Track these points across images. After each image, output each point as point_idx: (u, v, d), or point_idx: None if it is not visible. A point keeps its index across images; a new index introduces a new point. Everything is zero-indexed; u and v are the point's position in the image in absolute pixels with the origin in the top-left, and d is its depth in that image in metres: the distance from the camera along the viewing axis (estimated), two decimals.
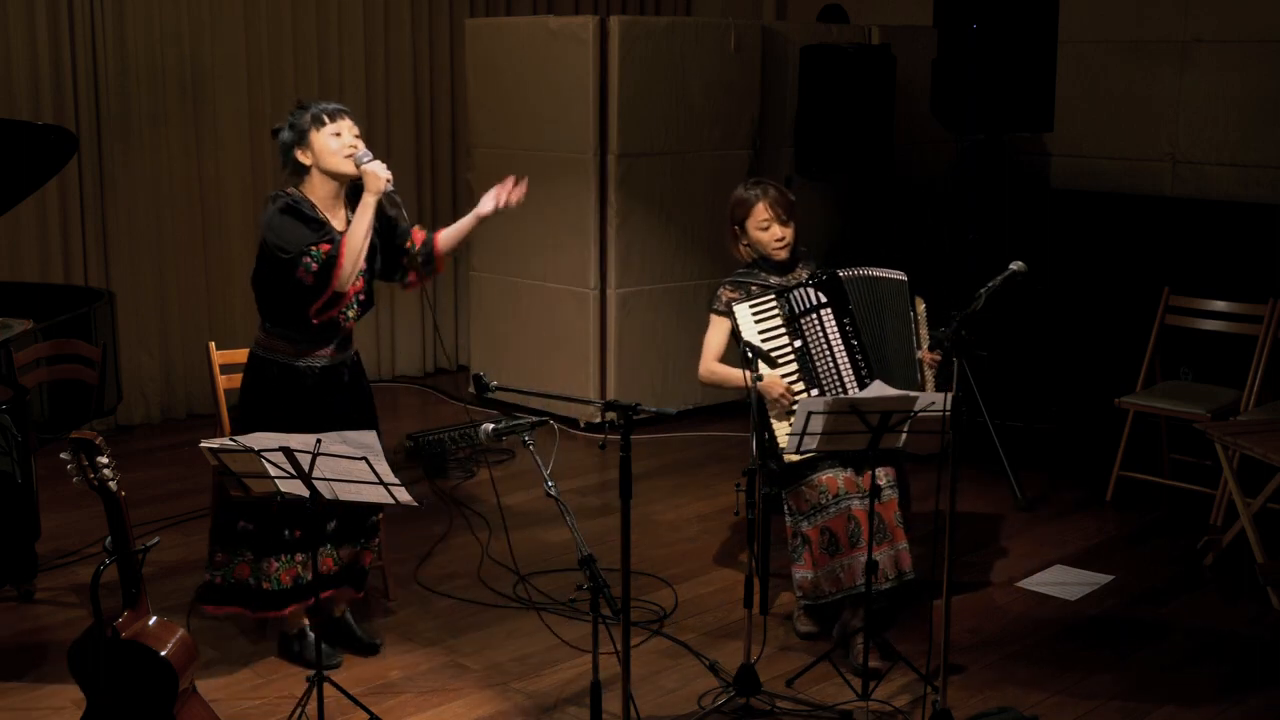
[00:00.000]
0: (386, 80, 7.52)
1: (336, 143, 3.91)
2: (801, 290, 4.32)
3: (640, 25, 6.62)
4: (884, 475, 4.19)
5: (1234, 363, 5.68)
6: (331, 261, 3.86)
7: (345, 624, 4.30)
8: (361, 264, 3.94)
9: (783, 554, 4.43)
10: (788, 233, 4.42)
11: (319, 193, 3.95)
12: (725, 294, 4.48)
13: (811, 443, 3.72)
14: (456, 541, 5.18)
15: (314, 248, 3.85)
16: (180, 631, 3.39)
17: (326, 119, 3.92)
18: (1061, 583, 4.90)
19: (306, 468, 3.41)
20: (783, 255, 4.43)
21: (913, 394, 3.79)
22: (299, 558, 4.03)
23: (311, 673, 3.59)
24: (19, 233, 6.38)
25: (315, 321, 3.95)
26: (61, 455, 3.29)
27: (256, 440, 3.45)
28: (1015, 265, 3.81)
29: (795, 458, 4.17)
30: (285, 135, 3.95)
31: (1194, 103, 7.23)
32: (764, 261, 4.49)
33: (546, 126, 6.72)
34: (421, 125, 7.72)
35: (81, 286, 6.32)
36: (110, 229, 6.66)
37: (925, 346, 4.41)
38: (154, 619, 3.36)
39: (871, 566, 3.99)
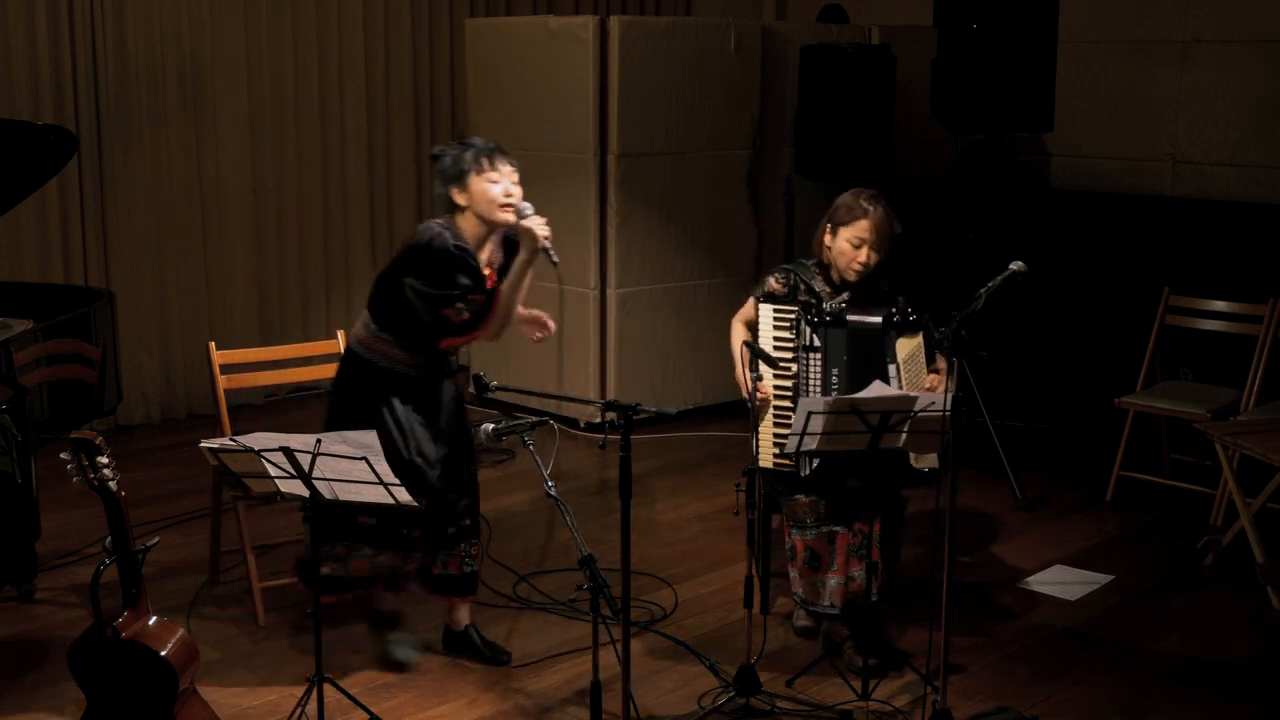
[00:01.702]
0: (386, 80, 7.52)
1: (495, 189, 3.89)
2: (806, 325, 4.15)
3: (640, 25, 6.62)
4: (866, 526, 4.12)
5: (1234, 363, 5.68)
6: (482, 314, 3.92)
7: (468, 636, 4.28)
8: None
9: (782, 554, 4.43)
10: (873, 259, 4.18)
11: (471, 231, 3.93)
12: (771, 283, 4.31)
13: (811, 443, 3.71)
14: None
15: (471, 297, 3.88)
16: (180, 631, 3.39)
17: (486, 164, 3.89)
18: (1061, 583, 4.90)
19: (306, 468, 3.41)
20: (854, 278, 4.21)
21: (912, 394, 3.79)
22: (418, 557, 4.07)
23: (311, 672, 3.59)
24: (19, 233, 6.38)
25: (440, 348, 3.97)
26: (61, 455, 3.29)
27: (256, 440, 3.45)
28: (1015, 265, 3.80)
29: (768, 465, 4.16)
30: (447, 164, 3.92)
31: (1194, 103, 7.23)
32: (827, 268, 4.29)
33: (546, 126, 6.72)
34: (421, 125, 7.72)
35: (81, 286, 6.32)
36: (110, 229, 6.66)
37: (905, 390, 4.11)
38: (154, 619, 3.36)
39: (872, 568, 4.00)
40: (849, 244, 4.17)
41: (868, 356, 4.12)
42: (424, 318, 3.90)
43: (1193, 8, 7.20)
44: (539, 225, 3.89)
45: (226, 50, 6.88)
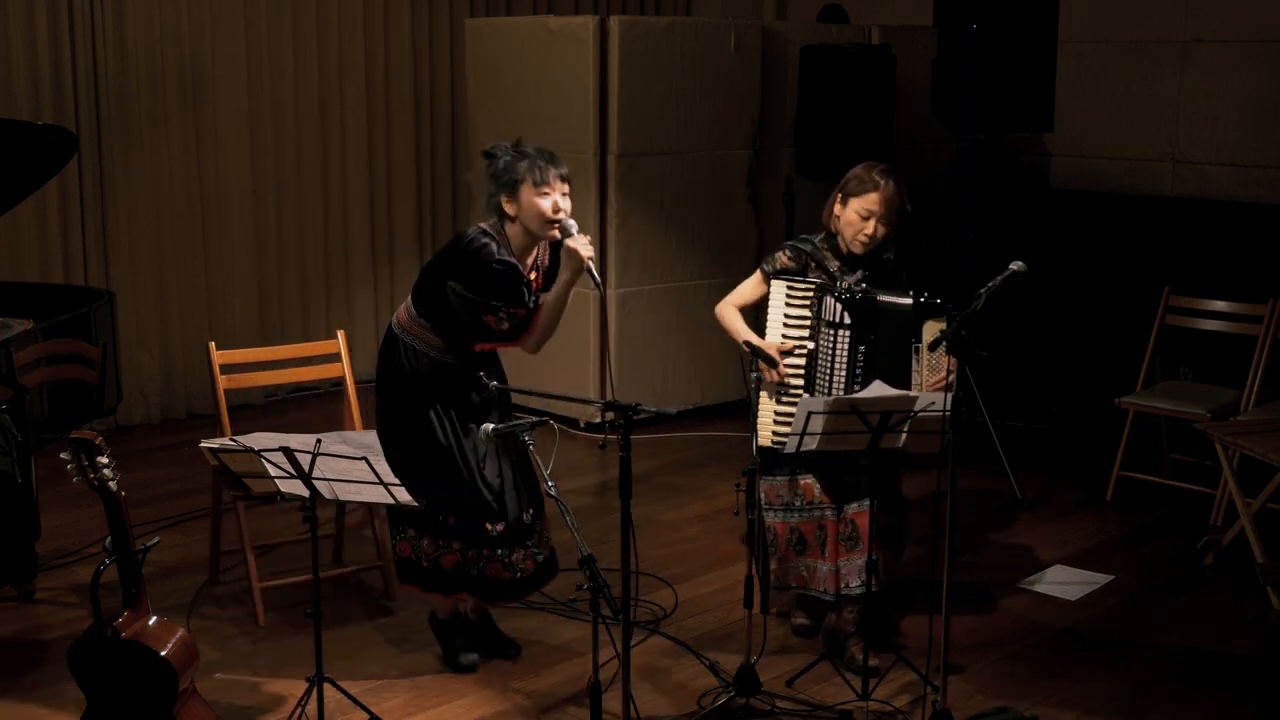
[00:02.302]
0: (386, 80, 7.52)
1: (545, 203, 3.88)
2: (833, 301, 4.11)
3: (640, 25, 6.62)
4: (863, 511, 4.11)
5: (1234, 363, 5.68)
6: (522, 327, 3.92)
7: (486, 625, 4.28)
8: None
9: None
10: (880, 232, 4.15)
11: (517, 239, 3.94)
12: (782, 259, 4.26)
13: (811, 443, 3.71)
14: None
15: (512, 310, 3.88)
16: (180, 631, 3.39)
17: (539, 175, 3.88)
18: (1061, 583, 4.90)
19: (306, 468, 3.41)
20: (860, 250, 4.18)
21: (912, 394, 3.79)
22: (456, 546, 4.00)
23: (311, 672, 3.59)
24: (19, 233, 6.38)
25: (475, 350, 3.96)
26: (61, 455, 3.29)
27: (256, 440, 3.45)
28: (1015, 265, 3.80)
29: (767, 444, 4.14)
30: (500, 168, 3.93)
31: (1194, 103, 7.23)
32: (835, 240, 4.25)
33: (546, 126, 6.71)
34: (421, 125, 7.72)
35: (81, 286, 6.32)
36: (110, 229, 6.66)
37: (925, 372, 4.14)
38: (154, 619, 3.36)
39: (871, 566, 3.99)
40: (858, 215, 4.13)
41: (895, 336, 4.11)
42: (463, 319, 3.91)
43: (1193, 8, 7.20)
44: (584, 246, 3.87)
45: (226, 50, 6.88)
